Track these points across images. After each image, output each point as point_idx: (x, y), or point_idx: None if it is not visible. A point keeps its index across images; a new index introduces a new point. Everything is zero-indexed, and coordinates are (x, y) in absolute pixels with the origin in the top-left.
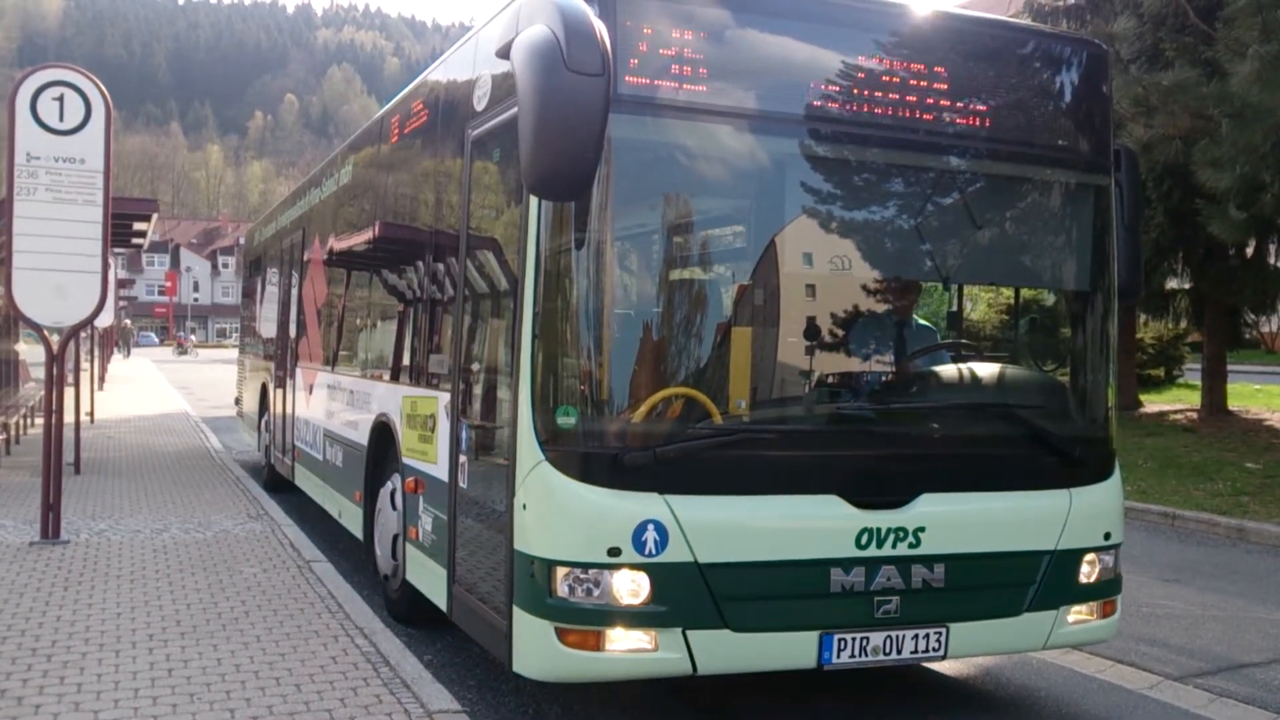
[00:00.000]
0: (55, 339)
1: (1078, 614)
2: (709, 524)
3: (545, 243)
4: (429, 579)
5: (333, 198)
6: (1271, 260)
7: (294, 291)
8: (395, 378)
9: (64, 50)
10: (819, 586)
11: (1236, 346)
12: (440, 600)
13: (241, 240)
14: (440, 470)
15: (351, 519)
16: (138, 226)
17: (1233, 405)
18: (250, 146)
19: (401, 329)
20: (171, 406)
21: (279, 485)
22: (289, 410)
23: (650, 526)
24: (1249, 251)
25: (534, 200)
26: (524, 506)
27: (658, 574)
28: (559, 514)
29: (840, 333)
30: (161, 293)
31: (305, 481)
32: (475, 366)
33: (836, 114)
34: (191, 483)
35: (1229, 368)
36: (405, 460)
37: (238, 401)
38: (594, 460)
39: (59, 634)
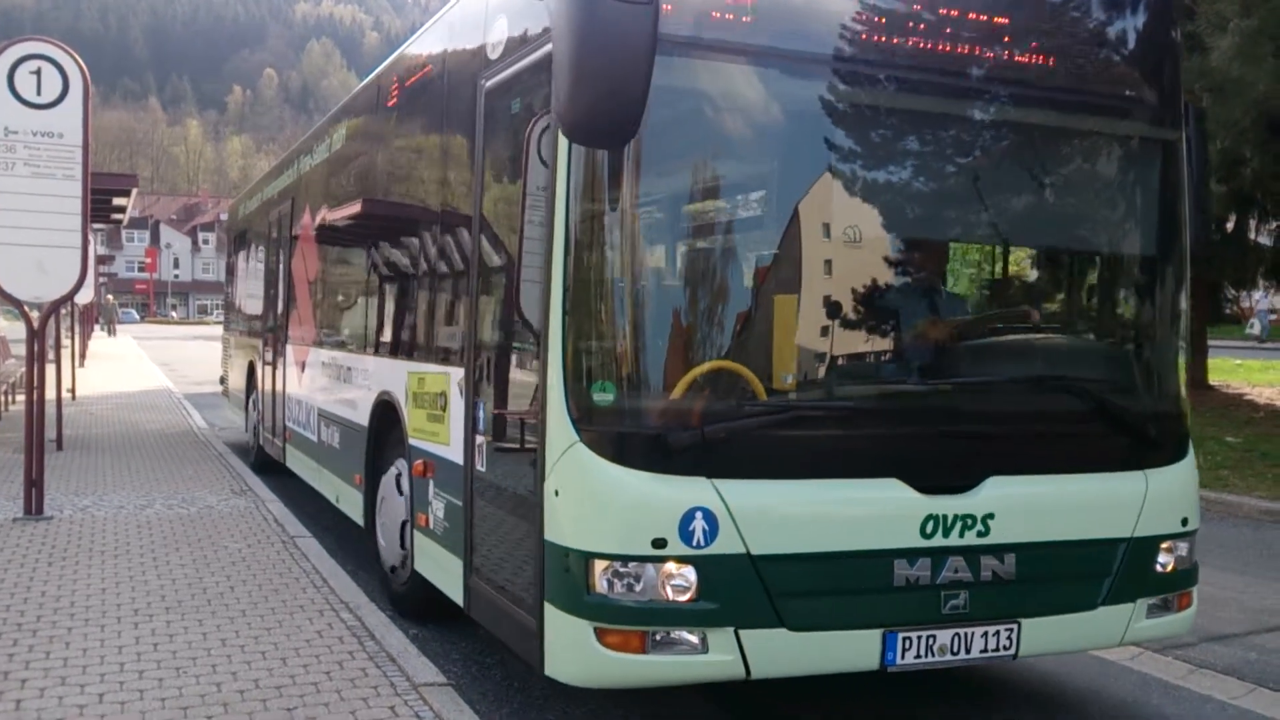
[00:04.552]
0: (36, 315)
1: (1154, 607)
2: (762, 511)
3: (576, 203)
4: (441, 571)
5: (325, 164)
6: (1252, 235)
7: (283, 265)
8: (398, 353)
9: (40, 23)
10: (882, 580)
11: (1217, 321)
12: (455, 594)
13: (223, 216)
14: (454, 452)
15: (350, 504)
16: (117, 202)
17: (1213, 380)
18: (230, 122)
19: (405, 301)
20: (153, 383)
21: (269, 467)
22: (279, 389)
23: (698, 514)
24: (1229, 226)
25: (564, 156)
26: (556, 493)
27: (707, 567)
28: (597, 501)
29: (902, 303)
30: (142, 269)
31: (298, 464)
32: (493, 339)
33: (901, 60)
34: (175, 459)
35: (1209, 342)
36: (412, 441)
37: (223, 380)
38: (635, 441)
39: (44, 609)
